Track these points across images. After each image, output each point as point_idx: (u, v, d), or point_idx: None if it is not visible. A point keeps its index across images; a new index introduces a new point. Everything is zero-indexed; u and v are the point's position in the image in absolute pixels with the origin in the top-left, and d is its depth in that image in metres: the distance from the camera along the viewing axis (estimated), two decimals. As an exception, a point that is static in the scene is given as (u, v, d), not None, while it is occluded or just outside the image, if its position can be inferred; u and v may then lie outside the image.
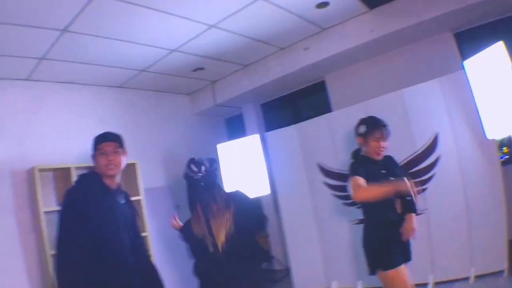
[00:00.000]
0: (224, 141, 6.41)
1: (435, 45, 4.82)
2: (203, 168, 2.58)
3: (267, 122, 6.59)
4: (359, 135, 2.90)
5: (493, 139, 3.73)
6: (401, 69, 5.01)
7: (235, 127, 6.98)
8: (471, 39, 4.75)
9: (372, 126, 2.83)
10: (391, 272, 2.56)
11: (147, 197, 5.11)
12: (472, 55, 3.75)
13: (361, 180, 2.60)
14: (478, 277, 3.74)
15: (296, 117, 6.18)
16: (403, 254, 2.71)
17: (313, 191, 4.74)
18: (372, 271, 2.71)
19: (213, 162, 2.69)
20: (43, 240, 4.10)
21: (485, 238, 3.77)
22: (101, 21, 3.75)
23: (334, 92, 5.71)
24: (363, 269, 4.27)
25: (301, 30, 4.91)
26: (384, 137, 2.82)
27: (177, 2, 3.68)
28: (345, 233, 4.49)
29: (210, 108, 6.34)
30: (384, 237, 2.66)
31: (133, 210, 2.59)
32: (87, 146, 4.22)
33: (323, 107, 5.81)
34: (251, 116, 6.48)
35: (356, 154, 3.01)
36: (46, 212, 4.21)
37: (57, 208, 4.34)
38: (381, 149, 2.80)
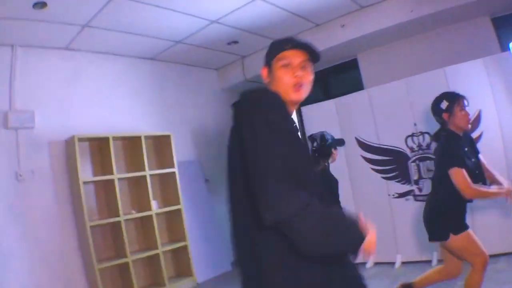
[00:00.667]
0: None
1: (473, 28, 4.91)
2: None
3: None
4: (443, 111, 2.82)
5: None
6: (437, 50, 5.08)
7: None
8: (508, 24, 4.87)
9: (455, 98, 2.82)
10: (465, 233, 2.71)
11: (179, 170, 5.25)
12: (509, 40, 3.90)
13: (465, 173, 2.60)
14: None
15: (327, 94, 6.32)
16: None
17: (351, 164, 4.88)
18: (444, 237, 2.77)
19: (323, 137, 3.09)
20: (83, 210, 4.19)
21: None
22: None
23: (366, 70, 5.81)
24: (403, 243, 4.50)
25: (339, 7, 4.96)
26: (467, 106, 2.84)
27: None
28: (385, 206, 4.68)
29: (239, 83, 6.38)
30: (460, 203, 2.75)
31: None
32: (123, 116, 4.32)
33: (354, 85, 5.91)
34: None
35: (442, 136, 2.88)
36: (85, 183, 4.34)
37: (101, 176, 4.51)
38: (469, 118, 2.81)
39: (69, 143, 4.41)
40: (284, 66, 1.50)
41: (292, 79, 1.48)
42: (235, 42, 5.56)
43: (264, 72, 1.61)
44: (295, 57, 1.51)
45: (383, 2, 4.94)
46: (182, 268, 5.12)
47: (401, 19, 4.86)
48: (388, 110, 4.69)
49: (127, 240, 4.43)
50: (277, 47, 1.56)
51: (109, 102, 4.98)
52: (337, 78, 6.48)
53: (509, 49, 4.01)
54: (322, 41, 5.42)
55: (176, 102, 5.76)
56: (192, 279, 5.00)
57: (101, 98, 4.92)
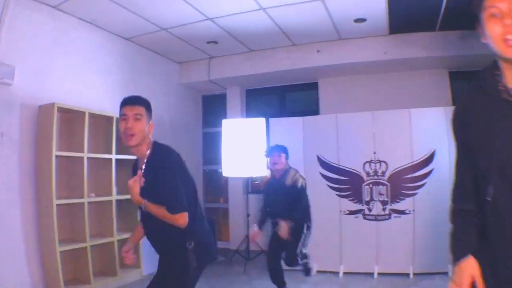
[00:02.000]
0: (198, 116, 7.09)
1: (433, 77, 5.95)
2: None
3: (248, 107, 7.13)
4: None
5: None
6: (400, 91, 5.97)
7: (211, 105, 7.46)
8: (463, 79, 5.95)
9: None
10: None
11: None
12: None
13: None
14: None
15: (282, 109, 6.91)
16: None
17: (309, 178, 5.38)
18: None
19: None
20: (51, 186, 4.02)
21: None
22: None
23: (325, 95, 6.52)
24: (347, 255, 5.17)
25: (321, 33, 5.57)
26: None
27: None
28: (336, 220, 5.28)
29: (202, 82, 6.64)
30: None
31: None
32: (95, 93, 4.44)
33: (310, 106, 6.64)
34: (236, 99, 6.96)
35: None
36: (57, 156, 4.15)
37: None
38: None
39: (45, 110, 4.17)
40: (493, 16, 1.22)
41: (501, 31, 1.20)
42: (215, 42, 5.80)
43: (480, 32, 1.30)
44: (502, 1, 1.20)
45: (361, 38, 5.69)
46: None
47: (374, 57, 5.66)
48: (352, 136, 5.33)
49: (87, 224, 4.36)
50: None
51: (84, 75, 4.82)
52: (295, 96, 7.10)
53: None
54: (295, 61, 6.04)
55: (140, 88, 5.74)
56: (139, 271, 5.03)
57: (77, 70, 4.73)
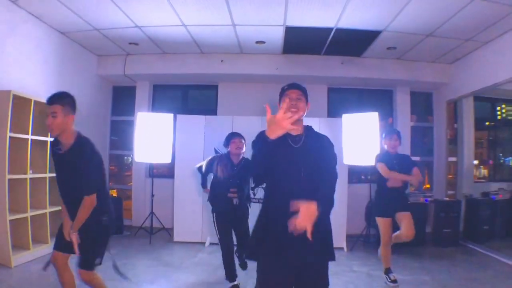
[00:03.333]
0: (108, 104, 8.14)
1: (314, 91, 7.69)
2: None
3: (154, 100, 8.30)
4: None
5: (347, 165, 6.71)
6: None
7: (121, 96, 8.44)
8: (338, 94, 7.97)
9: None
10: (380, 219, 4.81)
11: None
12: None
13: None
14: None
15: (184, 106, 8.22)
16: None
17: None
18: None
19: None
20: (5, 163, 4.83)
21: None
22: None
23: (223, 97, 8.02)
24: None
25: (227, 46, 7.02)
26: None
27: None
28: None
29: (118, 75, 7.64)
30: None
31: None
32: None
33: (210, 105, 8.09)
34: (144, 92, 8.08)
35: None
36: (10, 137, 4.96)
37: None
38: None
39: (1, 96, 4.93)
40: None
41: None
42: (136, 44, 6.89)
43: None
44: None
45: (258, 54, 7.32)
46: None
47: (267, 71, 7.32)
48: (244, 136, 6.84)
49: (29, 196, 5.23)
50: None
51: (27, 64, 5.61)
52: (196, 95, 8.48)
53: (341, 116, 6.81)
54: (201, 66, 7.45)
55: (63, 78, 6.50)
56: None
57: (23, 59, 5.51)
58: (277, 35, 6.43)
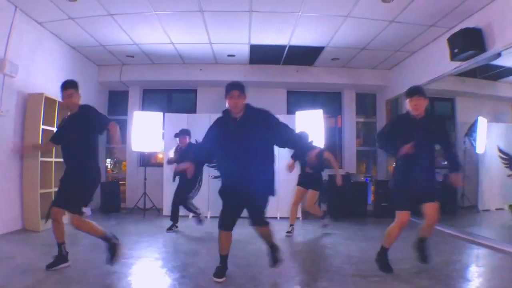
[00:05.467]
0: (104, 106, 9.96)
1: (275, 94, 9.73)
2: None
3: (144, 102, 10.19)
4: None
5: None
6: (253, 101, 9.18)
7: (116, 99, 10.24)
8: (295, 96, 10.01)
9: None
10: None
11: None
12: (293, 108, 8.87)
13: None
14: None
15: (168, 106, 10.15)
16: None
17: None
18: None
19: None
20: (38, 149, 6.18)
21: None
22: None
23: (201, 99, 9.96)
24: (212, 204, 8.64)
25: (204, 58, 8.90)
26: None
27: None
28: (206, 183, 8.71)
29: (115, 81, 9.46)
30: None
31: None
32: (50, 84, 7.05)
33: (190, 106, 10.04)
34: (136, 95, 9.93)
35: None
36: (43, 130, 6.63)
37: None
38: None
39: (34, 97, 6.59)
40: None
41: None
42: (132, 56, 8.74)
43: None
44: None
45: (230, 64, 9.27)
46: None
47: (237, 78, 8.84)
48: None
49: (53, 175, 6.92)
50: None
51: (50, 73, 7.33)
52: (179, 98, 10.49)
53: (294, 113, 8.80)
54: (183, 74, 9.37)
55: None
56: None
57: (47, 68, 7.27)
58: (244, 50, 8.39)
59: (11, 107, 6.37)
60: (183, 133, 7.09)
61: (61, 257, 4.21)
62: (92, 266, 4.40)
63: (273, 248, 4.32)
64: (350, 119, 10.10)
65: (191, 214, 7.47)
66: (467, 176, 8.90)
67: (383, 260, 4.40)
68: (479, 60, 6.18)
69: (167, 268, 4.54)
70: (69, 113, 4.40)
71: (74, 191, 4.09)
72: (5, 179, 6.26)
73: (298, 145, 4.24)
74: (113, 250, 4.20)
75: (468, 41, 5.90)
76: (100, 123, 4.26)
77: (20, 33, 6.45)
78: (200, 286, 3.89)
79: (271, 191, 4.04)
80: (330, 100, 10.43)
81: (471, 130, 8.77)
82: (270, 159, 4.05)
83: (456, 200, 8.62)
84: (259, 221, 4.10)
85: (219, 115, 8.33)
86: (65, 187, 4.18)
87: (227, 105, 4.10)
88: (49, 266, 4.13)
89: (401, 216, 4.33)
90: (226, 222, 4.04)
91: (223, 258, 4.15)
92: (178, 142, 7.16)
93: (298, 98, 10.33)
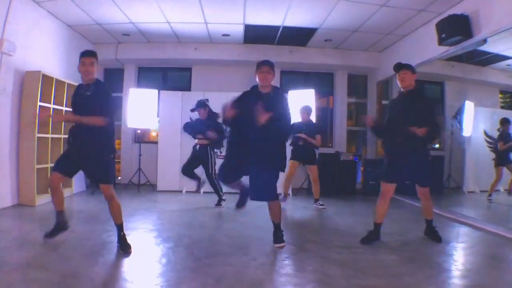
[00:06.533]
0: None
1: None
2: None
3: (139, 80, 10.30)
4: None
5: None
6: (247, 79, 9.26)
7: (111, 77, 10.33)
8: (289, 76, 10.19)
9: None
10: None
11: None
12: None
13: None
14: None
15: (163, 84, 10.29)
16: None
17: (183, 132, 8.51)
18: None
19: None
20: (35, 125, 6.63)
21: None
22: None
23: (196, 78, 10.09)
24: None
25: (198, 36, 8.98)
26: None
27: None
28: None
29: (111, 59, 9.55)
30: None
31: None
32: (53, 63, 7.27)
33: (184, 84, 10.17)
34: (131, 73, 10.04)
35: None
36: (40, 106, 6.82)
37: None
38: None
39: (31, 74, 6.70)
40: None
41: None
42: (128, 35, 8.81)
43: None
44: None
45: (225, 43, 9.36)
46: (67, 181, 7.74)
47: (231, 57, 9.42)
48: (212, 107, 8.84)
49: (50, 151, 7.12)
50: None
51: (47, 52, 7.45)
52: (173, 75, 10.63)
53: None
54: (178, 53, 9.47)
55: (66, 63, 8.29)
56: (70, 189, 7.96)
57: (44, 47, 7.37)
58: (238, 30, 8.50)
59: (8, 85, 6.48)
60: (200, 106, 7.18)
61: (60, 225, 4.36)
62: (89, 237, 4.63)
63: (276, 228, 4.52)
64: (341, 100, 10.27)
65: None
66: (453, 158, 9.15)
67: (371, 235, 4.76)
68: (466, 45, 6.35)
69: (162, 238, 4.79)
70: (85, 83, 4.36)
71: (103, 168, 4.23)
72: (2, 154, 6.43)
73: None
74: (123, 241, 4.24)
75: (455, 27, 6.07)
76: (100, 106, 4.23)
77: (18, 13, 6.52)
78: (193, 254, 4.15)
79: (280, 166, 4.36)
80: (322, 81, 10.60)
81: (457, 113, 9.00)
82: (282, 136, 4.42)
83: (442, 181, 8.87)
84: (263, 194, 4.37)
85: (213, 93, 8.59)
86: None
87: (257, 80, 4.46)
88: (48, 235, 4.30)
89: (384, 187, 4.76)
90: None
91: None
92: (198, 115, 7.24)
93: (291, 78, 10.48)
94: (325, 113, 10.65)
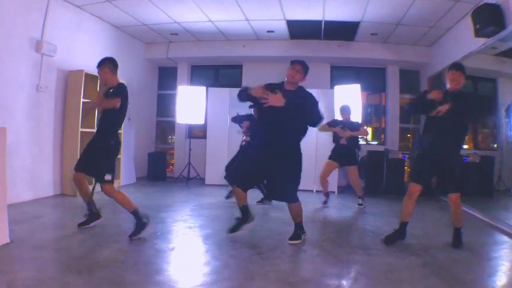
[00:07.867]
0: (155, 81, 10.50)
1: (320, 69, 9.74)
2: None
3: (192, 78, 10.59)
4: None
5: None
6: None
7: (165, 75, 10.79)
8: (339, 71, 10.00)
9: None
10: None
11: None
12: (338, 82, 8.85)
13: None
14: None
15: (215, 81, 10.48)
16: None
17: (230, 127, 8.87)
18: None
19: None
20: (78, 120, 7.06)
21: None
22: None
23: (246, 75, 10.21)
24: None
25: (245, 34, 9.05)
26: None
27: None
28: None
29: (162, 58, 9.94)
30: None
31: None
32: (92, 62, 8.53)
33: (236, 81, 10.26)
34: (184, 71, 10.35)
35: None
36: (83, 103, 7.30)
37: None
38: None
39: (75, 74, 7.10)
40: None
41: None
42: (176, 34, 9.08)
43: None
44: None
45: (271, 40, 9.37)
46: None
47: (279, 54, 9.35)
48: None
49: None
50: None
51: (92, 52, 7.69)
52: (225, 73, 10.77)
53: (333, 88, 8.82)
54: (227, 50, 9.58)
55: (120, 61, 8.79)
56: (118, 181, 8.28)
57: (89, 48, 7.76)
58: (281, 26, 8.44)
59: (51, 84, 6.90)
60: (241, 120, 7.40)
61: (92, 215, 4.63)
62: (114, 224, 4.88)
63: (296, 226, 4.53)
64: (394, 95, 9.85)
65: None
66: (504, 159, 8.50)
67: (395, 234, 4.61)
68: (501, 37, 5.84)
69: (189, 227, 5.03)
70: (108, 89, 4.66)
71: (97, 167, 4.39)
72: (48, 148, 6.88)
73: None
74: (139, 227, 4.34)
75: (488, 17, 5.64)
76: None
77: (58, 17, 6.85)
78: (208, 234, 4.40)
79: (297, 170, 4.35)
80: (374, 76, 10.24)
81: (507, 111, 8.32)
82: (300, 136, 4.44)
83: (492, 184, 8.24)
84: (283, 196, 4.44)
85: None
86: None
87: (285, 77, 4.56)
88: (81, 224, 4.57)
89: (411, 187, 4.58)
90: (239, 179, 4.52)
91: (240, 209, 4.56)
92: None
93: (341, 73, 10.22)
94: (378, 110, 10.33)
